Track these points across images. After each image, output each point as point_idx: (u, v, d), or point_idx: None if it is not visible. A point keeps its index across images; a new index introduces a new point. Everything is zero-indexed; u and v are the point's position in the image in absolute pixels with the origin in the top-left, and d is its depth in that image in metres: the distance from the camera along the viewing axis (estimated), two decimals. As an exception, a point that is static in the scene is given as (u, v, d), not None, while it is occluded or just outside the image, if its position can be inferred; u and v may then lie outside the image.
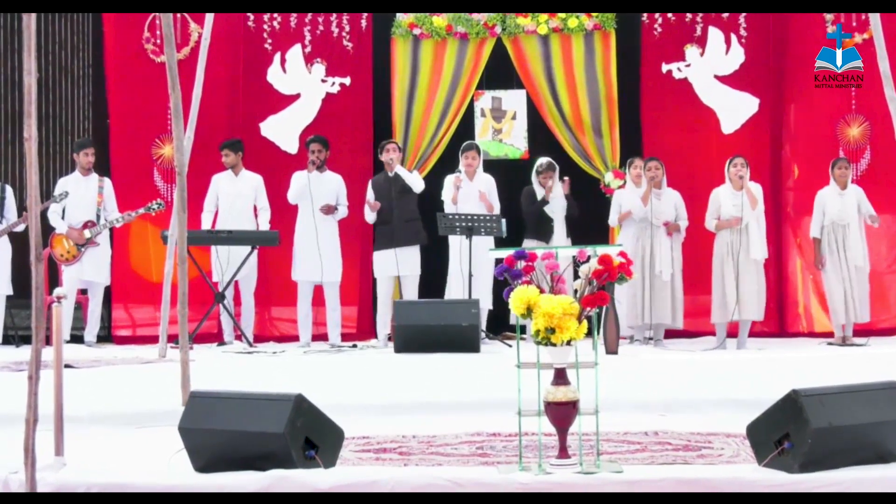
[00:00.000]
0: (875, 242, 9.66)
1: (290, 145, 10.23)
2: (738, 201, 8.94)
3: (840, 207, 9.12)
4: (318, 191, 9.30)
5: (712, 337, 9.21)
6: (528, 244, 9.27)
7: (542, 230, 9.41)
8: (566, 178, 9.51)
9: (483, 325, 9.26)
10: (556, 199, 9.43)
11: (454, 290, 9.26)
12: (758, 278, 9.00)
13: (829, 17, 9.90)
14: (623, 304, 8.93)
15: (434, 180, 9.89)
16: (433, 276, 9.70)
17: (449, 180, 9.47)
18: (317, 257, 9.27)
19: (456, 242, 9.27)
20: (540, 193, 9.43)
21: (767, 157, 10.17)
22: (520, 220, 9.57)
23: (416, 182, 9.38)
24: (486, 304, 9.28)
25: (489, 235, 9.03)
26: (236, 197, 9.59)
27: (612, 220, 9.45)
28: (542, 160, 9.55)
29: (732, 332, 9.09)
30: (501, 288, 4.25)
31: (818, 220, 9.20)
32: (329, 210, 9.31)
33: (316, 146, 9.44)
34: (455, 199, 9.35)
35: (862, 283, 9.13)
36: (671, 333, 9.41)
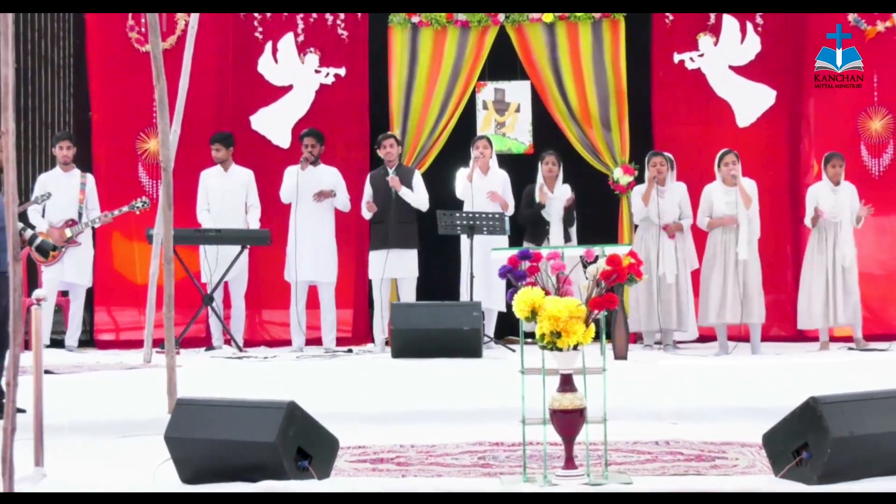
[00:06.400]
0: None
1: (283, 139, 10.22)
2: (731, 199, 8.90)
3: (833, 204, 9.09)
4: (312, 187, 9.32)
5: (727, 342, 9.18)
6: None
7: (536, 233, 9.39)
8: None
9: (491, 330, 9.27)
10: (553, 200, 9.37)
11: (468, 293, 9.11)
12: (754, 278, 8.93)
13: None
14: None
15: (433, 176, 9.88)
16: (434, 278, 9.69)
17: (462, 171, 9.44)
18: (311, 257, 9.28)
19: (466, 242, 9.22)
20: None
21: (785, 151, 10.18)
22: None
23: (419, 201, 9.31)
24: (499, 307, 9.27)
25: (492, 234, 9.01)
26: (225, 193, 9.59)
27: (637, 218, 9.40)
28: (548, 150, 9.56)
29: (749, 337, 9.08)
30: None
31: (810, 214, 9.16)
32: (323, 195, 9.28)
33: (310, 140, 9.44)
34: (471, 178, 9.25)
35: (850, 285, 9.07)
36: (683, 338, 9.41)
